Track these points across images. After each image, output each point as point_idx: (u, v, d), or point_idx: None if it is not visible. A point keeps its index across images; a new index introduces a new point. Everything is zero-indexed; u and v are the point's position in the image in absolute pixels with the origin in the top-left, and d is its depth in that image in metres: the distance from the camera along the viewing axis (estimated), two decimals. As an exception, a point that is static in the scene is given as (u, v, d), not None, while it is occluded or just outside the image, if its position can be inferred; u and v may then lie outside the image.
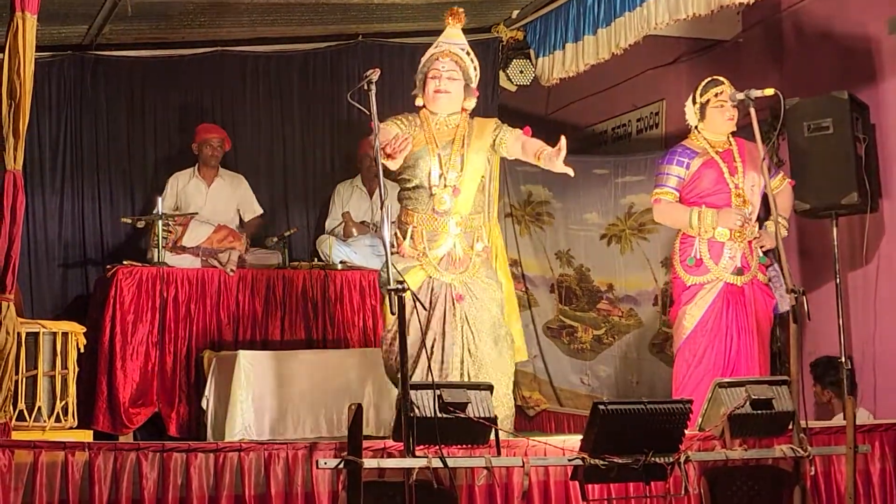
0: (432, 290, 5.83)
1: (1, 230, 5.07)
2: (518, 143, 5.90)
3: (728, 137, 6.65)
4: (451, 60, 5.93)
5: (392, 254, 5.66)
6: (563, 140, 5.56)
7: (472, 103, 6.04)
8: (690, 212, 6.55)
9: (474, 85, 6.03)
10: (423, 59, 5.98)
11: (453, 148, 5.89)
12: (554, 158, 5.60)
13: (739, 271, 6.49)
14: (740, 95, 5.73)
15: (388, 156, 5.55)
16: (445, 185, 5.83)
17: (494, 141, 5.97)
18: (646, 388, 8.68)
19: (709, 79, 6.67)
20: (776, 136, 7.50)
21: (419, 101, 6.02)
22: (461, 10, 6.06)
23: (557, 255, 9.53)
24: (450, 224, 5.85)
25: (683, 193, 6.63)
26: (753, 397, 5.23)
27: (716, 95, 6.60)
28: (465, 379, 5.76)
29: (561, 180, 9.52)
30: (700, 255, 6.55)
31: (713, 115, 6.60)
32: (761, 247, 6.54)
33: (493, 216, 6.12)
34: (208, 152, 8.36)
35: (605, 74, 9.00)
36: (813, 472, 5.36)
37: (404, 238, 5.85)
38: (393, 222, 5.93)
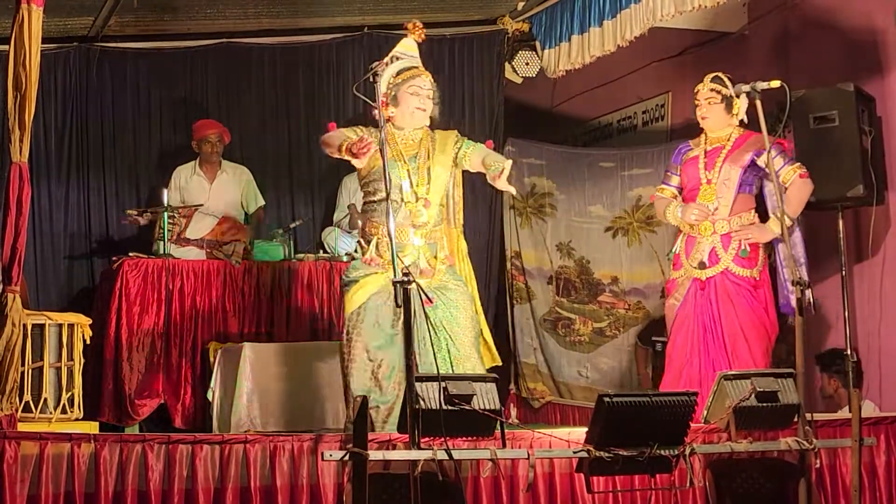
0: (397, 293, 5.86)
1: (7, 222, 5.08)
2: (479, 157, 5.97)
3: (731, 133, 6.64)
4: (429, 80, 6.01)
5: (356, 259, 5.90)
6: (508, 164, 5.73)
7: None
8: (665, 207, 6.68)
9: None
10: (388, 78, 5.95)
11: (419, 162, 5.94)
12: (497, 180, 5.73)
13: (702, 265, 6.53)
14: (746, 87, 5.71)
15: (354, 155, 5.69)
16: (418, 199, 5.89)
17: (457, 155, 6.03)
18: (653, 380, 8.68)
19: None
20: (782, 129, 7.48)
21: (385, 115, 6.00)
22: (419, 23, 6.08)
23: (558, 247, 9.53)
24: (414, 235, 5.91)
25: (684, 189, 6.73)
26: (759, 390, 5.22)
27: (696, 93, 6.67)
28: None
29: (565, 172, 9.63)
30: (678, 251, 6.66)
31: (697, 112, 6.70)
32: (747, 239, 6.53)
33: (458, 223, 6.20)
34: (208, 149, 8.35)
35: (611, 66, 8.99)
36: (818, 465, 5.34)
37: (367, 247, 5.91)
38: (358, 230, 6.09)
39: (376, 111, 5.28)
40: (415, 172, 5.91)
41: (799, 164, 6.61)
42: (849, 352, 7.05)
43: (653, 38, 8.14)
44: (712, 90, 6.59)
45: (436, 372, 5.66)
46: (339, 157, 5.86)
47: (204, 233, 8.07)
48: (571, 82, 9.52)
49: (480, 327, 6.03)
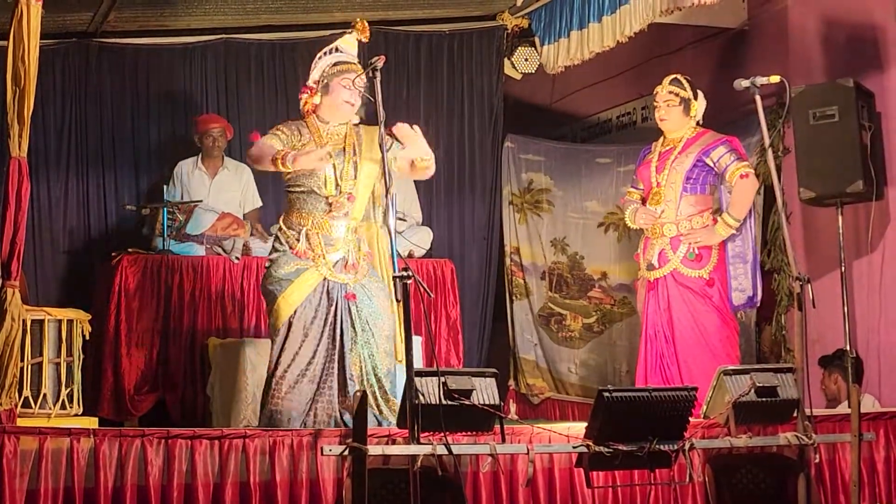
0: (328, 290, 5.91)
1: (6, 217, 5.07)
2: (408, 162, 6.01)
3: (683, 134, 6.68)
4: (362, 78, 5.97)
5: (283, 252, 5.88)
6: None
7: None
8: (627, 211, 6.85)
9: None
10: (324, 67, 6.02)
11: (346, 156, 5.96)
12: (411, 135, 5.83)
13: (651, 266, 6.67)
14: (745, 83, 5.72)
15: (284, 164, 5.78)
16: (341, 192, 5.91)
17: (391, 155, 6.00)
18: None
19: None
20: (781, 124, 7.50)
21: (309, 105, 6.07)
22: (367, 25, 6.08)
23: (553, 243, 9.54)
24: (343, 229, 5.94)
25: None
26: (758, 385, 5.24)
27: (654, 95, 6.77)
28: (365, 378, 5.87)
29: (564, 168, 9.62)
30: (638, 252, 6.82)
31: (656, 114, 6.80)
32: (696, 243, 6.56)
33: (379, 220, 6.21)
34: (209, 143, 8.33)
35: (611, 62, 8.99)
36: (817, 460, 5.35)
37: (297, 239, 5.91)
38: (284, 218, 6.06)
39: (379, 110, 5.27)
40: (340, 167, 5.93)
41: (745, 163, 6.63)
42: (848, 347, 7.06)
43: (652, 34, 8.14)
44: (670, 92, 6.68)
45: (359, 365, 5.75)
46: (273, 170, 5.88)
47: (204, 228, 8.06)
48: (571, 78, 9.51)
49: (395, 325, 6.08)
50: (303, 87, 6.15)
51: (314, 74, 6.06)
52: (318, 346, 5.85)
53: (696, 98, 6.67)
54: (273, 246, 6.04)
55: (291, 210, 6.01)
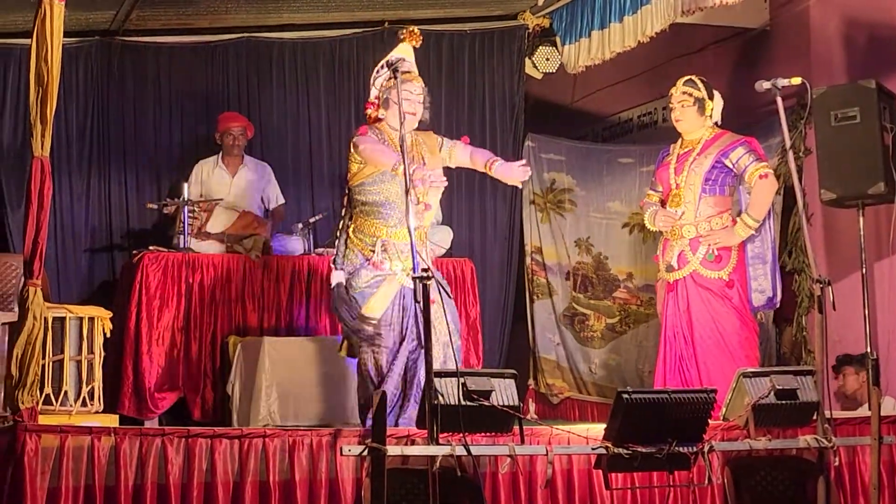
0: (404, 297, 5.95)
1: (28, 216, 5.09)
2: (466, 153, 6.12)
3: (702, 135, 6.67)
4: (420, 85, 6.05)
5: (359, 265, 5.88)
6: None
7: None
8: (646, 214, 6.84)
9: None
10: (381, 81, 6.06)
11: (415, 165, 5.94)
12: (513, 168, 5.91)
13: (670, 268, 6.66)
14: (767, 84, 5.70)
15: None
16: (419, 201, 5.93)
17: (445, 155, 6.16)
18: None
19: None
20: (803, 125, 7.48)
21: (379, 114, 6.10)
22: (417, 29, 6.13)
23: (577, 243, 9.53)
24: (416, 237, 5.91)
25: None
26: (778, 387, 5.23)
27: (669, 96, 6.76)
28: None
29: (585, 168, 9.61)
30: (658, 253, 6.81)
31: (672, 115, 6.80)
32: (715, 244, 6.55)
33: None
34: (230, 142, 8.35)
35: (632, 62, 8.97)
36: (837, 463, 5.35)
37: (373, 249, 5.94)
38: (343, 229, 6.11)
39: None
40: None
41: (764, 163, 6.60)
42: (868, 349, 7.04)
43: (674, 34, 8.12)
44: (684, 93, 6.68)
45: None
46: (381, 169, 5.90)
47: (224, 227, 8.08)
48: (591, 78, 9.51)
49: None
50: (366, 103, 6.20)
51: (374, 91, 6.08)
52: (397, 353, 5.88)
53: (710, 98, 6.65)
54: (344, 255, 6.04)
55: (363, 219, 6.03)
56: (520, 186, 6.21)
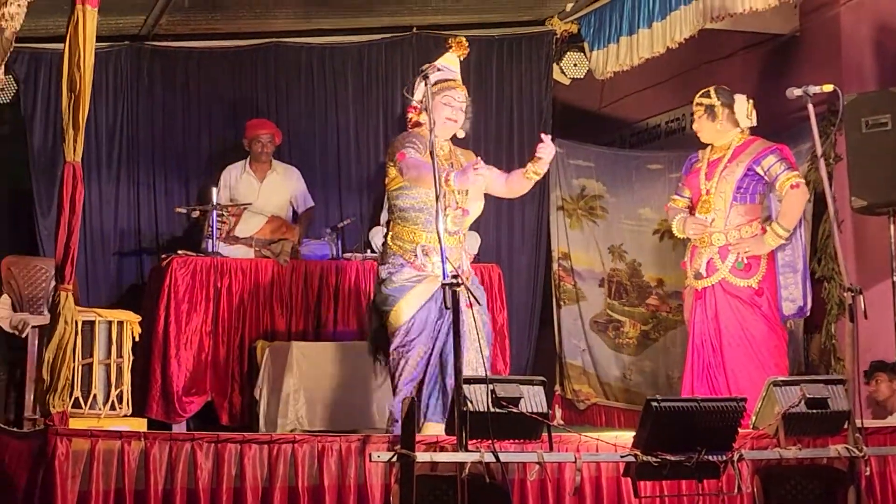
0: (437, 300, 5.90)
1: (60, 221, 5.10)
2: (501, 177, 6.14)
3: (731, 141, 6.65)
4: (464, 94, 6.07)
5: (401, 266, 5.88)
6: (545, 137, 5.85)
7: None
8: (673, 219, 6.84)
9: None
10: (426, 85, 5.93)
11: (451, 171, 5.92)
12: (543, 153, 5.81)
13: (698, 275, 6.63)
14: (798, 91, 5.68)
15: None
16: (458, 207, 5.97)
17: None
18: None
19: None
20: (833, 133, 7.45)
21: (420, 119, 6.10)
22: (464, 40, 6.15)
23: (610, 250, 9.51)
24: (455, 242, 5.97)
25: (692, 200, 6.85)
26: (808, 396, 5.20)
27: (695, 105, 6.74)
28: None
29: (614, 174, 9.60)
30: (686, 260, 6.79)
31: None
32: (745, 253, 6.53)
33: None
34: (258, 149, 8.37)
35: (660, 68, 8.96)
36: (868, 473, 5.31)
37: (415, 254, 5.94)
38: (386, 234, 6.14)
39: (424, 113, 5.30)
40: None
41: (795, 173, 6.57)
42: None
43: (702, 40, 8.10)
44: (698, 104, 6.72)
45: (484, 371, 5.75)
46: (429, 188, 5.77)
47: (253, 231, 8.11)
48: (619, 83, 9.49)
49: None
50: (408, 106, 6.20)
51: (417, 94, 6.09)
52: (430, 354, 5.89)
53: (727, 104, 6.60)
54: (387, 261, 6.03)
55: (400, 226, 6.05)
56: (549, 158, 5.97)
